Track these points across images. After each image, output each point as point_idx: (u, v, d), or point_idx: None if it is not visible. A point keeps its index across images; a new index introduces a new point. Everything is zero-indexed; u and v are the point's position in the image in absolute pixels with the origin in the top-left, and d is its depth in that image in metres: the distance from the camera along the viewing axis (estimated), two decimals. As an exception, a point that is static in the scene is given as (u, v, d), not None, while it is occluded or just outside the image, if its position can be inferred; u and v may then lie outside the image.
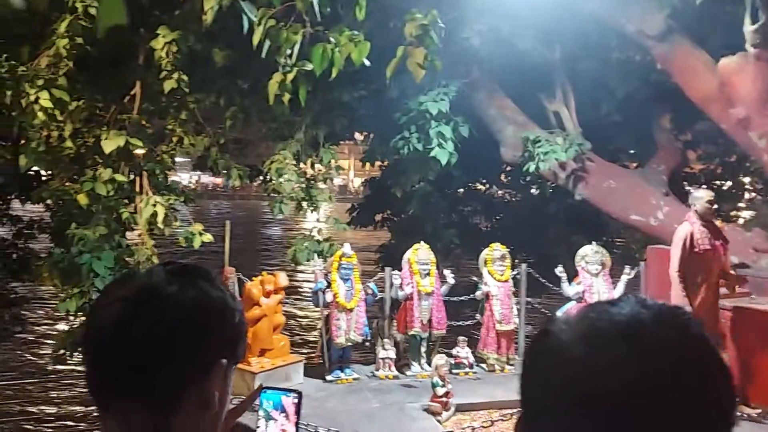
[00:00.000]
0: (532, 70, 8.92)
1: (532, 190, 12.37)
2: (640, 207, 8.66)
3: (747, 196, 12.45)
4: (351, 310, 6.68)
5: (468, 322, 7.71)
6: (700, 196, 5.75)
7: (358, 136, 13.27)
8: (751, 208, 12.27)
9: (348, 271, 6.78)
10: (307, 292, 8.05)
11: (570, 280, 7.15)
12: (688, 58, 7.57)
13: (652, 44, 7.64)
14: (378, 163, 11.30)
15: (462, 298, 7.69)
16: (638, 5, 7.61)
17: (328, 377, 6.64)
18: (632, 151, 11.85)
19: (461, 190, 13.29)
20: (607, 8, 7.79)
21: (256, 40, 4.48)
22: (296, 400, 1.14)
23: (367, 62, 4.71)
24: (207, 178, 43.59)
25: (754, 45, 6.60)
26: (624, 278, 7.27)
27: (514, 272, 7.56)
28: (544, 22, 7.91)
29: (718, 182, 12.17)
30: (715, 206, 5.81)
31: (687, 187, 11.33)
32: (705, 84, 7.42)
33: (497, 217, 13.65)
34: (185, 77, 6.27)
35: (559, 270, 7.18)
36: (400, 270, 7.09)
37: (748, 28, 6.58)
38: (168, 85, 6.22)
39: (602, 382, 0.68)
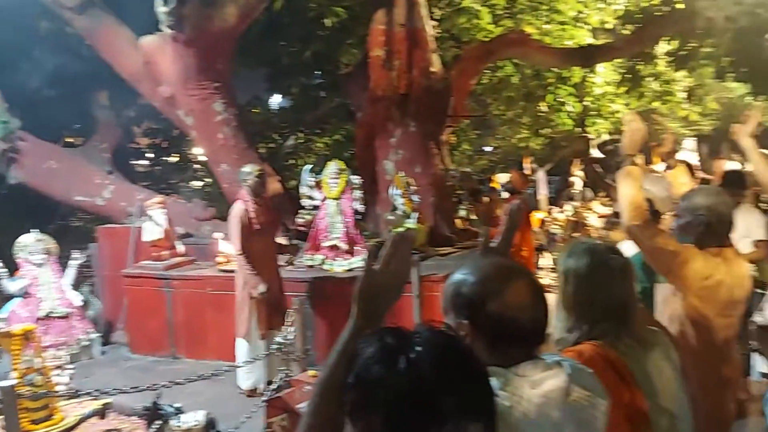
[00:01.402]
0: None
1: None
2: (84, 187, 8.33)
3: (195, 167, 13.33)
4: None
5: None
6: (248, 171, 5.45)
7: None
8: (198, 179, 13.36)
9: None
10: None
11: (13, 274, 6.44)
12: (113, 35, 7.48)
13: (72, 16, 7.27)
14: None
15: None
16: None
17: None
18: (78, 126, 11.19)
19: None
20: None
21: None
22: None
23: None
24: None
25: (169, 26, 6.91)
26: (72, 263, 6.96)
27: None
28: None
29: (165, 157, 12.71)
30: (265, 179, 5.56)
31: (132, 162, 11.52)
32: (131, 62, 7.47)
33: None
34: None
35: (-5, 266, 6.36)
36: None
37: (161, 9, 6.81)
38: None
39: None
